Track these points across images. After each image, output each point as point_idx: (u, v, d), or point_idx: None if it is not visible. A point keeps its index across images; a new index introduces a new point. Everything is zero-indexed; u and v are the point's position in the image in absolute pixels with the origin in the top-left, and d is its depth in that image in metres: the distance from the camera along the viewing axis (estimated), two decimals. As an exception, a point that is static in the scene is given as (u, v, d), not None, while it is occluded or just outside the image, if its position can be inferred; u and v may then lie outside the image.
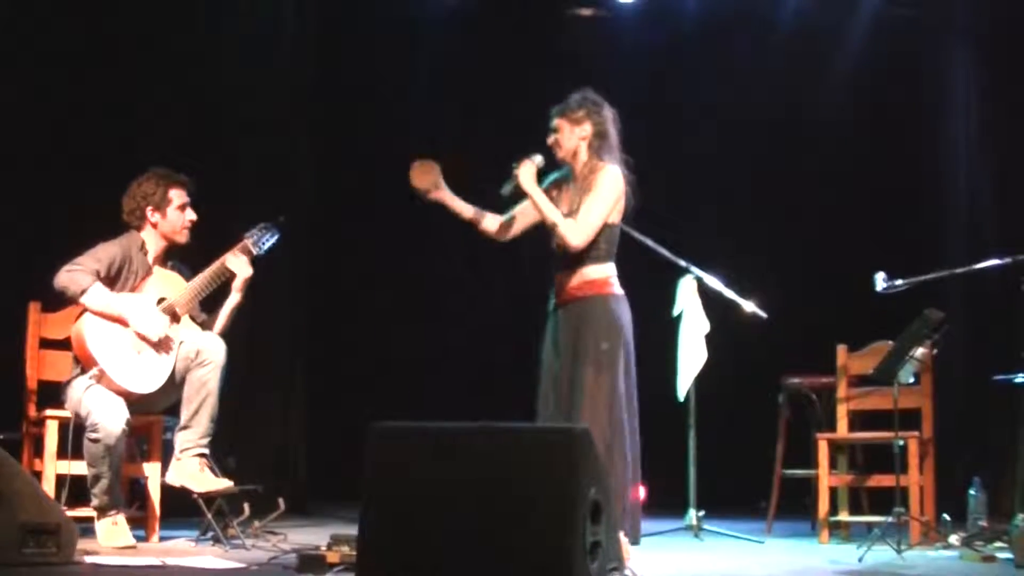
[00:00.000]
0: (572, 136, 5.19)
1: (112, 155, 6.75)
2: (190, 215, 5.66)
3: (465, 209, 5.31)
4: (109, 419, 5.25)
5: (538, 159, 5.15)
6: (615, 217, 5.17)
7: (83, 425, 5.30)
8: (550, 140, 5.22)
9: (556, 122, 5.22)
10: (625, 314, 5.12)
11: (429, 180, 5.22)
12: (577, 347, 5.06)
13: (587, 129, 5.18)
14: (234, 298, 5.72)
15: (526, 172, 5.10)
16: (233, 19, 7.54)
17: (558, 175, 5.27)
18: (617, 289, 5.14)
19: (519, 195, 5.17)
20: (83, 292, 5.38)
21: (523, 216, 5.32)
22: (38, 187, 6.72)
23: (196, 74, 7.33)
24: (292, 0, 7.89)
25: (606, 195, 5.10)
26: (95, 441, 5.25)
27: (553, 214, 5.12)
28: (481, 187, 5.27)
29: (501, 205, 5.25)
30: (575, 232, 5.08)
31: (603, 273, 5.13)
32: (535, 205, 5.14)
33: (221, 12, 7.48)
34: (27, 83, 6.74)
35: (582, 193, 5.14)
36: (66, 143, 6.83)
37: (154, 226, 5.63)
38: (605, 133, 5.19)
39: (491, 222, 5.34)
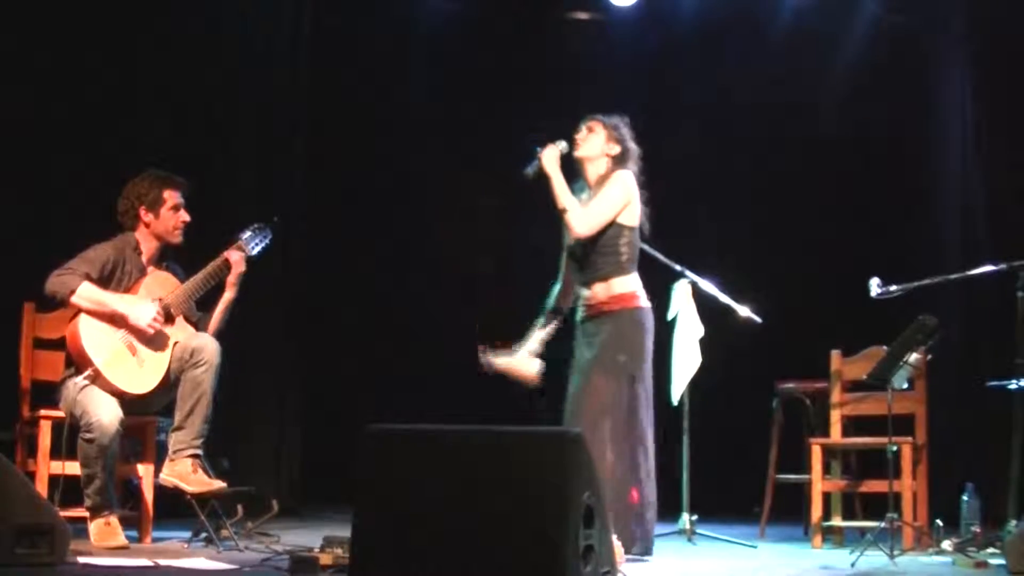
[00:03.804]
0: (603, 143, 5.37)
1: (111, 155, 6.75)
2: (184, 216, 5.66)
3: (552, 324, 5.47)
4: (103, 419, 5.24)
5: (562, 145, 5.29)
6: (630, 219, 5.29)
7: (77, 425, 5.30)
8: (580, 133, 5.36)
9: (594, 123, 5.37)
10: (650, 327, 5.30)
11: (529, 370, 5.37)
12: (598, 356, 5.15)
13: (616, 148, 5.37)
14: (228, 294, 5.73)
15: (550, 154, 5.25)
16: (233, 19, 7.53)
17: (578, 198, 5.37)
18: (644, 301, 5.31)
19: (542, 177, 5.27)
20: (72, 293, 5.37)
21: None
22: (36, 187, 6.72)
23: (195, 74, 7.32)
24: (292, 0, 7.89)
25: (615, 192, 5.27)
26: (89, 441, 5.25)
27: (568, 200, 5.24)
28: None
29: (525, 186, 5.30)
30: (582, 219, 5.22)
31: (630, 286, 5.30)
32: (552, 186, 5.26)
33: (221, 12, 7.48)
34: (27, 83, 6.73)
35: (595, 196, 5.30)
36: (65, 143, 6.83)
37: (147, 226, 5.63)
38: (626, 161, 5.37)
39: (564, 298, 5.49)
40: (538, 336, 5.42)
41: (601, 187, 5.30)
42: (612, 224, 5.25)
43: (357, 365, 8.51)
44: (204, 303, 5.74)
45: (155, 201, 5.61)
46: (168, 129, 7.09)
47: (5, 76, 6.64)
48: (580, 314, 5.34)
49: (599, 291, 5.26)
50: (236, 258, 5.67)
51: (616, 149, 5.36)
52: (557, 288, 5.49)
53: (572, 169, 5.40)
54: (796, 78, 8.30)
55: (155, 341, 5.49)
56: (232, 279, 5.70)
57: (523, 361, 5.35)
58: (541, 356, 5.39)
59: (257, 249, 5.75)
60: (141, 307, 5.46)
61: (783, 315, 7.04)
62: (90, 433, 5.25)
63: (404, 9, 8.56)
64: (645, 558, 5.25)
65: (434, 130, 8.56)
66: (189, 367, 5.43)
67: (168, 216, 5.63)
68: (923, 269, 6.29)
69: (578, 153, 5.36)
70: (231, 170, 7.40)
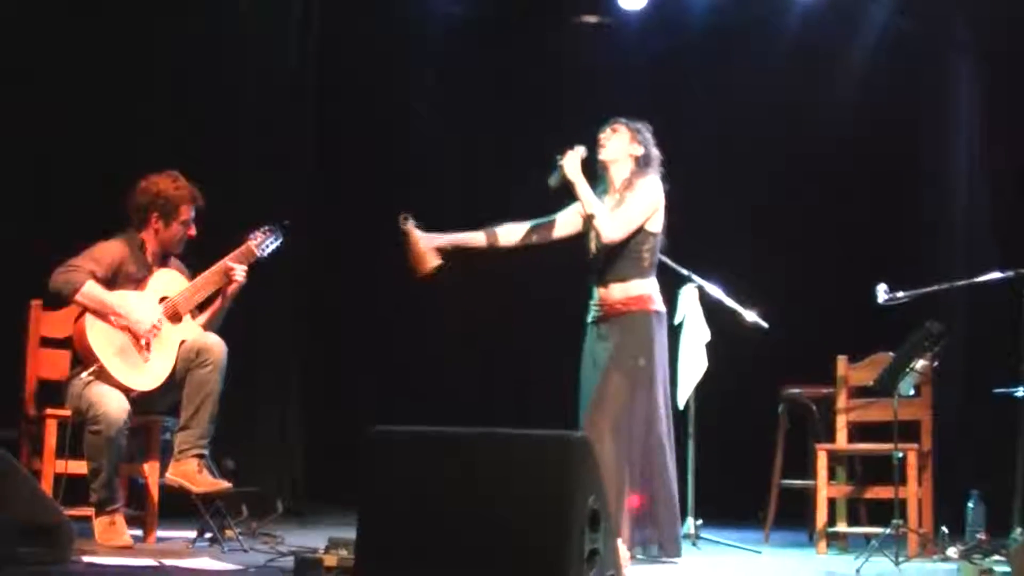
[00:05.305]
0: (627, 145, 5.36)
1: (113, 155, 6.75)
2: (191, 231, 5.66)
3: (475, 238, 5.38)
4: (111, 410, 5.23)
5: (581, 150, 5.27)
6: (655, 226, 5.30)
7: (84, 420, 5.29)
8: (603, 134, 5.36)
9: (618, 125, 5.38)
10: (663, 332, 5.29)
11: (428, 260, 5.34)
12: (615, 358, 5.14)
13: (639, 150, 5.36)
14: (225, 302, 5.73)
15: (571, 161, 5.22)
16: (233, 19, 7.53)
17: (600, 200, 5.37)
18: (659, 306, 5.30)
19: (566, 186, 5.27)
20: (76, 291, 5.37)
21: (564, 224, 5.42)
22: (38, 187, 6.72)
23: (196, 74, 7.32)
24: (293, 0, 7.89)
25: (645, 197, 5.27)
26: (96, 433, 5.24)
27: (595, 204, 5.25)
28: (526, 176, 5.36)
29: (549, 197, 5.32)
30: (612, 224, 5.21)
31: (647, 289, 5.28)
32: (577, 193, 5.26)
33: (222, 12, 7.48)
34: (27, 83, 6.73)
35: (621, 202, 5.29)
36: (66, 143, 6.83)
37: (156, 231, 5.61)
38: (650, 164, 5.38)
39: (509, 234, 5.42)
40: (454, 237, 5.38)
41: (628, 191, 5.28)
42: (639, 230, 5.25)
43: (362, 366, 8.50)
44: (201, 304, 5.73)
45: (171, 212, 5.59)
46: (169, 129, 7.09)
47: (7, 76, 6.65)
48: (592, 314, 5.32)
49: (615, 291, 5.24)
50: (240, 276, 5.65)
51: (640, 150, 5.36)
52: (512, 226, 5.44)
53: (591, 173, 5.38)
54: (802, 82, 8.29)
55: (161, 339, 5.49)
56: (230, 292, 5.69)
57: (427, 248, 5.31)
58: (445, 257, 5.33)
59: (268, 251, 5.74)
60: (143, 311, 5.45)
61: (789, 320, 7.03)
62: (97, 425, 5.24)
63: (408, 11, 8.55)
64: (674, 560, 5.26)
65: (436, 132, 8.55)
66: (195, 367, 5.43)
67: (178, 229, 5.62)
68: (929, 273, 6.28)
69: (602, 156, 5.34)
70: (233, 170, 7.38)
